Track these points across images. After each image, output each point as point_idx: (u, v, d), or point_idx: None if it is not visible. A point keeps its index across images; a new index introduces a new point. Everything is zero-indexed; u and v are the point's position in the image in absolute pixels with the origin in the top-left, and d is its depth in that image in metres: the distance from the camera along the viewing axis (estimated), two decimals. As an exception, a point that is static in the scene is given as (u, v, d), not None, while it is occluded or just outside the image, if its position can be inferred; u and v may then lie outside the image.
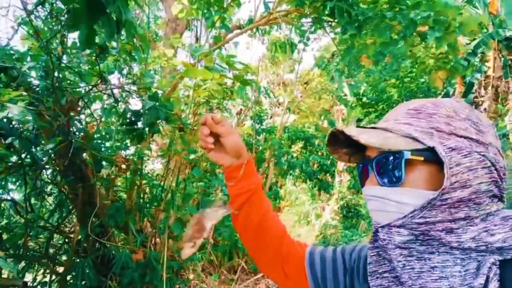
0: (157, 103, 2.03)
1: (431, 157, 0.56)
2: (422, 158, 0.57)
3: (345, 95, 12.50)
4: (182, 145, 2.47)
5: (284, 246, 0.83)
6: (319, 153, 13.12)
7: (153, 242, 2.95)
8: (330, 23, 3.63)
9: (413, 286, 0.55)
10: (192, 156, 3.24)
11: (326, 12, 3.26)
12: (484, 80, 8.96)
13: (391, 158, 0.59)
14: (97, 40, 1.94)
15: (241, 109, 8.99)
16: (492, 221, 0.55)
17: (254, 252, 0.87)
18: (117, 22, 1.41)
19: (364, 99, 10.82)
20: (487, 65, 9.38)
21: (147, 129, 2.39)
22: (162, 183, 2.83)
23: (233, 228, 4.15)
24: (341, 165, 12.15)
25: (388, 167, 0.60)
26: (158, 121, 2.28)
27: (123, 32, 1.60)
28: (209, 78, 2.19)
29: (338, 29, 4.10)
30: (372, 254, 0.63)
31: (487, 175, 0.55)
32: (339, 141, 0.70)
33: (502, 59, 9.39)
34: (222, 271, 3.96)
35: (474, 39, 8.41)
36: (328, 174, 12.83)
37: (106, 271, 2.67)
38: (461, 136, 0.57)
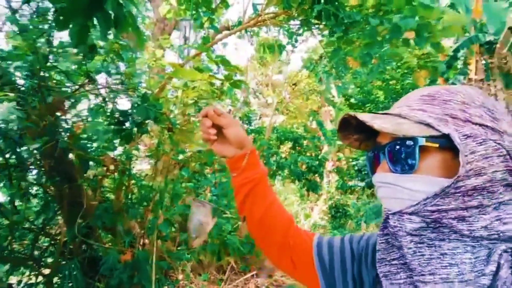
0: (146, 103, 2.03)
1: (446, 144, 0.56)
2: (437, 145, 0.56)
3: (333, 96, 12.62)
4: (170, 145, 2.47)
5: (291, 236, 0.83)
6: (308, 154, 13.20)
7: (141, 242, 2.94)
8: (317, 25, 3.68)
9: (422, 273, 0.55)
10: (181, 157, 3.24)
11: (314, 15, 3.30)
12: (467, 83, 9.16)
13: (405, 144, 0.58)
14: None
15: (230, 110, 8.99)
16: (505, 210, 0.54)
17: (261, 242, 0.87)
18: (115, 18, 1.41)
19: (352, 100, 10.94)
20: (469, 68, 9.60)
21: (135, 129, 2.38)
22: (150, 184, 2.82)
23: (221, 227, 4.16)
24: (329, 166, 12.26)
25: (401, 153, 0.59)
26: (147, 121, 2.27)
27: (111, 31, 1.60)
28: (197, 78, 2.20)
29: (326, 32, 4.17)
30: (381, 241, 0.63)
31: (503, 163, 0.54)
32: (350, 127, 0.70)
33: (484, 62, 9.63)
34: (211, 271, 3.96)
35: (457, 43, 8.61)
36: (316, 175, 12.91)
37: (94, 273, 2.65)
38: (476, 124, 0.56)
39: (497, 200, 0.54)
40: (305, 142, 12.82)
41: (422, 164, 0.57)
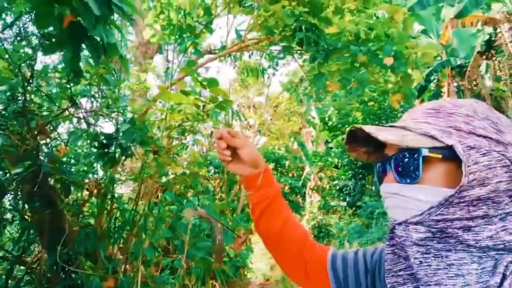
0: (132, 126, 2.05)
1: (449, 155, 0.57)
2: (440, 156, 0.58)
3: (313, 118, 12.87)
4: (155, 168, 2.47)
5: (306, 250, 0.85)
6: (290, 175, 13.28)
7: (123, 268, 2.86)
8: (299, 50, 3.81)
9: (428, 283, 0.55)
10: (164, 179, 3.22)
11: (296, 41, 3.43)
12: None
13: (409, 155, 0.60)
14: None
15: (211, 132, 9.02)
16: (511, 221, 0.55)
17: (277, 256, 0.90)
18: (104, 44, 1.45)
19: (330, 122, 11.18)
20: (442, 90, 10.06)
21: (120, 152, 2.37)
22: (133, 207, 2.78)
23: (207, 251, 4.09)
24: (310, 187, 12.34)
25: (406, 164, 0.61)
26: (132, 145, 2.27)
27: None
28: (184, 101, 2.24)
29: (306, 56, 4.31)
30: (388, 252, 0.64)
31: (507, 174, 0.55)
32: (358, 140, 0.72)
33: (456, 84, 10.13)
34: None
35: (430, 67, 9.04)
36: (299, 196, 12.97)
37: (73, 302, 2.55)
38: (480, 135, 0.57)
39: (503, 211, 0.56)
40: (287, 163, 12.91)
41: (427, 175, 0.59)
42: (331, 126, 10.92)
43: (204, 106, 3.19)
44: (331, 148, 12.11)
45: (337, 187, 10.92)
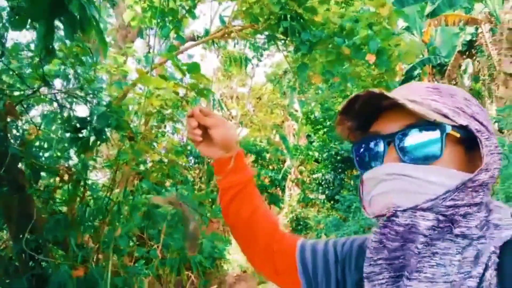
0: (107, 110, 1.95)
1: (464, 135, 0.54)
2: (458, 135, 0.54)
3: (296, 111, 12.90)
4: (131, 155, 2.38)
5: (275, 241, 0.81)
6: (270, 167, 13.31)
7: (95, 258, 2.77)
8: (283, 40, 3.76)
9: (410, 269, 0.53)
10: (141, 167, 3.13)
11: (280, 31, 3.38)
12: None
13: (428, 132, 0.54)
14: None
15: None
16: (494, 210, 0.55)
17: (244, 246, 0.85)
18: (80, 20, 1.35)
19: (313, 116, 11.22)
20: (423, 88, 10.25)
21: (94, 137, 2.27)
22: (108, 195, 2.69)
23: (182, 242, 4.04)
24: (290, 180, 12.41)
25: (422, 142, 0.55)
26: (107, 129, 2.18)
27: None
28: (163, 86, 2.16)
29: (291, 48, 4.27)
30: (375, 240, 0.56)
31: (499, 161, 0.55)
32: (351, 112, 0.63)
33: (436, 83, 10.31)
34: (169, 287, 3.81)
35: (411, 64, 9.19)
36: (278, 188, 13.03)
37: (42, 290, 2.45)
38: (477, 120, 0.56)
39: (488, 198, 0.55)
40: (268, 156, 12.93)
41: (443, 155, 0.54)
42: (314, 119, 10.96)
43: (185, 94, 3.11)
44: (312, 142, 12.18)
45: (317, 181, 11.02)
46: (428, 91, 0.58)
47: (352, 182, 9.80)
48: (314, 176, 11.28)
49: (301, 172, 12.20)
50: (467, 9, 10.17)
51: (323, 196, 10.70)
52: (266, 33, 3.72)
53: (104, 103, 2.04)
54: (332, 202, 9.85)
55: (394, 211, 0.53)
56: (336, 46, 3.25)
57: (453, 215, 0.52)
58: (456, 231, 0.52)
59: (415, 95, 0.58)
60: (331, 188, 10.34)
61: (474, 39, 9.75)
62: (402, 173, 0.54)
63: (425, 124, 0.54)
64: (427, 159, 0.54)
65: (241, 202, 0.83)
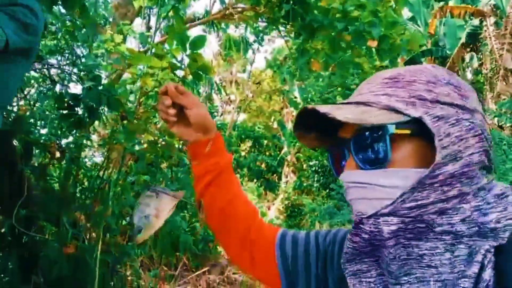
0: (99, 87, 1.91)
1: (417, 130, 0.50)
2: (408, 132, 0.50)
3: (295, 97, 12.83)
4: (124, 135, 2.36)
5: (254, 230, 0.76)
6: (267, 153, 13.32)
7: (87, 236, 2.78)
8: (284, 24, 3.69)
9: (397, 274, 0.50)
10: (136, 148, 3.10)
11: (282, 14, 3.31)
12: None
13: (373, 135, 0.52)
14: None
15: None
16: (484, 199, 0.50)
17: (220, 235, 0.80)
18: None
19: (313, 103, 11.15)
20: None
21: (86, 115, 2.24)
22: (98, 173, 2.67)
23: (175, 223, 4.05)
24: (287, 167, 12.44)
25: (369, 146, 0.53)
26: (99, 107, 2.15)
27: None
28: (158, 66, 2.11)
29: (292, 34, 4.20)
30: (350, 247, 0.55)
31: (478, 144, 0.50)
32: (308, 124, 0.62)
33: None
34: (162, 267, 3.85)
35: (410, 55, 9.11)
36: (275, 175, 13.07)
37: (32, 266, 2.46)
38: (445, 103, 0.51)
39: (476, 186, 0.50)
40: (265, 142, 12.92)
41: (394, 156, 0.51)
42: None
43: (183, 76, 3.06)
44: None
45: (313, 168, 11.04)
46: (383, 84, 0.54)
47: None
48: (311, 163, 11.30)
49: (298, 159, 12.21)
50: (474, 0, 10.01)
51: (318, 184, 10.74)
52: (268, 16, 3.66)
53: (96, 79, 2.00)
54: (327, 190, 9.90)
55: (360, 219, 0.52)
56: (337, 33, 3.18)
57: (420, 215, 0.48)
58: (438, 229, 0.48)
59: (368, 92, 0.55)
60: (326, 176, 10.37)
61: (479, 31, 9.62)
62: (358, 181, 0.53)
63: (374, 128, 0.52)
64: (380, 163, 0.52)
65: (218, 188, 0.77)
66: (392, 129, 0.50)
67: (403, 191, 0.49)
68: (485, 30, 9.07)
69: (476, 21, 9.70)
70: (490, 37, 8.88)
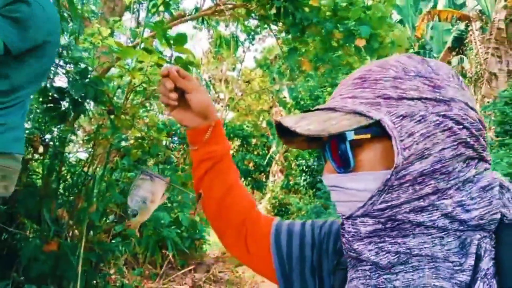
0: (86, 79, 1.86)
1: (380, 131, 0.49)
2: (368, 136, 0.50)
3: (285, 97, 12.84)
4: (111, 130, 2.30)
5: (249, 222, 0.76)
6: (256, 153, 13.31)
7: (70, 233, 2.71)
8: (275, 22, 3.68)
9: (390, 265, 0.49)
10: (123, 144, 3.04)
11: (273, 12, 3.29)
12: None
13: (336, 142, 0.53)
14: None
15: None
16: (469, 192, 0.48)
17: (216, 224, 0.79)
18: None
19: (302, 102, 11.17)
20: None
21: (71, 108, 2.18)
22: (85, 170, 2.61)
23: (159, 220, 3.99)
24: (275, 166, 12.46)
25: (336, 152, 0.53)
26: (85, 101, 2.09)
27: None
28: (147, 60, 2.07)
29: (283, 34, 4.20)
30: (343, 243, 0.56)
31: (450, 138, 0.47)
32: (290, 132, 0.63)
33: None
34: (146, 266, 3.79)
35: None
36: (263, 174, 13.07)
37: (12, 263, 2.39)
38: (412, 99, 0.49)
39: (457, 180, 0.48)
40: (254, 141, 12.91)
41: (361, 160, 0.51)
42: (303, 105, 10.89)
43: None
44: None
45: (301, 168, 11.08)
46: (352, 85, 0.54)
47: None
48: (298, 162, 11.33)
49: (286, 158, 12.24)
50: (461, 5, 10.19)
51: (305, 183, 10.79)
52: (258, 13, 3.63)
53: (81, 70, 1.94)
54: (314, 189, 9.94)
55: (342, 220, 0.54)
56: (328, 32, 3.19)
57: (394, 215, 0.48)
58: (423, 224, 0.47)
59: (338, 96, 0.55)
60: (314, 175, 10.42)
61: (464, 36, 9.80)
62: (333, 185, 0.54)
63: (336, 136, 0.52)
64: (347, 168, 0.52)
65: (216, 176, 0.77)
66: (350, 135, 0.50)
67: (372, 193, 0.49)
68: (471, 35, 9.25)
69: (462, 26, 9.89)
70: (475, 42, 9.06)
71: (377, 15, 2.94)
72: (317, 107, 0.57)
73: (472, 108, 0.50)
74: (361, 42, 3.16)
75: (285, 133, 0.61)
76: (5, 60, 1.31)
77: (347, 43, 3.16)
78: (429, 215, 0.47)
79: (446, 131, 0.48)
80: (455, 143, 0.48)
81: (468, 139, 0.48)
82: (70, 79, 2.07)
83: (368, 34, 2.94)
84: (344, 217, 0.53)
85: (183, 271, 4.00)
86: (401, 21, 10.88)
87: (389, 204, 0.48)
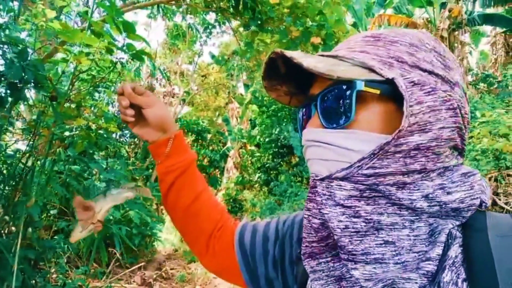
0: (24, 62, 1.70)
1: (389, 92, 0.47)
2: (378, 91, 0.46)
3: (241, 94, 12.83)
4: (53, 118, 2.13)
5: (219, 228, 0.76)
6: (210, 148, 13.17)
7: (6, 229, 2.49)
8: (233, 15, 3.64)
9: (353, 252, 0.46)
10: (67, 134, 2.84)
11: (232, 4, 3.25)
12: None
13: (340, 91, 0.48)
14: None
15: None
16: (449, 177, 0.47)
17: (186, 236, 0.79)
18: None
19: (260, 97, 11.21)
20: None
21: (8, 93, 1.98)
22: (24, 161, 2.40)
23: (107, 217, 3.79)
24: (230, 163, 12.42)
25: (335, 103, 0.49)
26: (24, 86, 1.91)
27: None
28: (95, 44, 1.94)
29: (241, 29, 4.17)
30: (304, 216, 0.52)
31: (452, 118, 0.47)
32: (279, 75, 0.58)
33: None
34: (92, 264, 3.59)
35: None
36: (217, 170, 12.97)
37: None
38: (425, 70, 0.47)
39: (442, 164, 0.47)
40: (209, 136, 12.77)
41: (360, 116, 0.48)
42: (261, 101, 10.93)
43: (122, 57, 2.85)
44: (255, 126, 12.23)
45: (256, 165, 11.15)
46: (363, 41, 0.51)
47: (290, 169, 10.06)
48: (254, 159, 11.39)
49: (241, 155, 12.24)
50: (409, 13, 10.79)
51: (261, 180, 10.88)
52: (217, 6, 3.57)
53: (19, 52, 1.77)
54: (269, 186, 10.06)
55: (314, 181, 0.50)
56: (285, 27, 3.22)
57: (376, 185, 0.45)
58: (397, 203, 0.46)
59: (345, 48, 0.52)
60: (269, 172, 10.53)
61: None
62: (317, 139, 0.50)
63: (342, 83, 0.48)
64: (342, 122, 0.48)
65: (181, 188, 0.76)
66: (360, 85, 0.46)
67: (363, 155, 0.46)
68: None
69: (410, 32, 10.47)
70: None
71: (333, 20, 3.03)
72: (320, 53, 0.53)
73: (467, 99, 0.51)
74: (316, 40, 3.23)
75: (269, 77, 0.58)
76: None
77: (303, 40, 3.21)
78: (409, 194, 0.46)
79: (450, 111, 0.47)
80: (454, 125, 0.47)
81: (462, 127, 0.48)
82: (7, 61, 1.89)
83: (324, 34, 3.01)
84: (317, 178, 0.49)
85: (131, 268, 3.85)
86: (354, 24, 11.31)
87: (376, 171, 0.45)
